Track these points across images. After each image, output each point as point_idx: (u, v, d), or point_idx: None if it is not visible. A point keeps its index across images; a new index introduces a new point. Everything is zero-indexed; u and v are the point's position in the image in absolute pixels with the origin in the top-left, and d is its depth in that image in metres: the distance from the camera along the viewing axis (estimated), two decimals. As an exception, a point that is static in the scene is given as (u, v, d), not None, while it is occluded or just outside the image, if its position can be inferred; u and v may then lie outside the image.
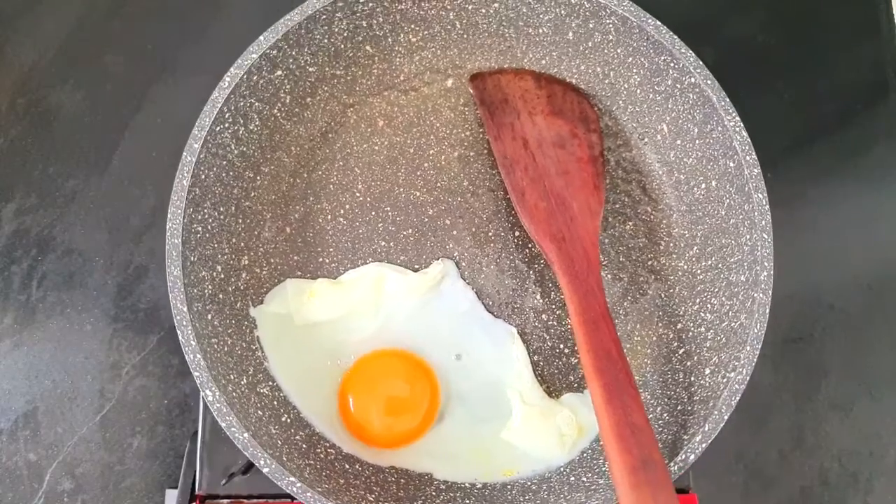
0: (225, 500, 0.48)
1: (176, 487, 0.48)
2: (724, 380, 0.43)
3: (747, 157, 0.45)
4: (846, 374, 0.55)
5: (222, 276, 0.47)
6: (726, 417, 0.42)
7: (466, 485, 0.47)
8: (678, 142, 0.51)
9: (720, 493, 0.53)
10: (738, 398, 0.42)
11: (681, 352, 0.49)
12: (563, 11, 0.50)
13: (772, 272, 0.44)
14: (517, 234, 0.52)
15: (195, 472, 0.48)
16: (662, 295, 0.51)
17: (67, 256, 0.56)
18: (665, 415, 0.46)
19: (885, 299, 0.56)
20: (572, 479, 0.46)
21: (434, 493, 0.46)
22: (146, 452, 0.53)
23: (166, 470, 0.52)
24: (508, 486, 0.47)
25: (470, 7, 0.51)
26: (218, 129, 0.46)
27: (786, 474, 0.52)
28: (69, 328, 0.55)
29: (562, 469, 0.47)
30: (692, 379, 0.46)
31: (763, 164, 0.56)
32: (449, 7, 0.51)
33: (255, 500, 0.48)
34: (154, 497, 0.52)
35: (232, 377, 0.44)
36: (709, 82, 0.47)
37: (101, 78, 0.59)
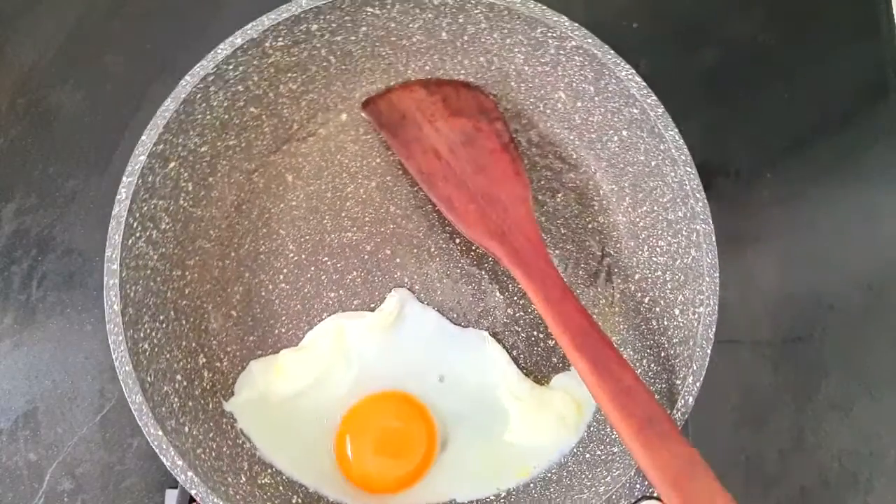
0: None
1: (176, 487, 0.48)
2: (696, 316, 0.44)
3: (648, 101, 0.46)
4: (846, 374, 0.54)
5: (184, 383, 0.46)
6: (709, 352, 0.43)
7: (491, 497, 0.47)
8: (578, 104, 0.51)
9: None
10: (713, 330, 0.43)
11: (646, 301, 0.49)
12: (430, 15, 0.50)
13: (706, 202, 0.44)
14: (458, 241, 0.52)
15: None
16: (612, 252, 0.52)
17: (67, 256, 0.55)
18: (652, 365, 0.47)
19: (885, 299, 0.56)
20: (587, 456, 0.47)
21: (464, 518, 0.46)
22: (146, 452, 0.52)
23: (166, 470, 0.50)
24: (531, 485, 0.47)
25: (339, 38, 0.51)
26: (130, 241, 0.44)
27: (786, 474, 0.52)
28: (69, 328, 0.54)
29: (574, 451, 0.48)
30: (665, 323, 0.47)
31: (763, 164, 0.55)
32: (318, 45, 0.50)
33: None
34: (154, 497, 0.51)
35: (230, 480, 0.43)
36: (589, 41, 0.47)
37: (101, 78, 0.59)
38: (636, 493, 0.40)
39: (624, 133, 0.50)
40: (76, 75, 0.59)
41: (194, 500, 0.46)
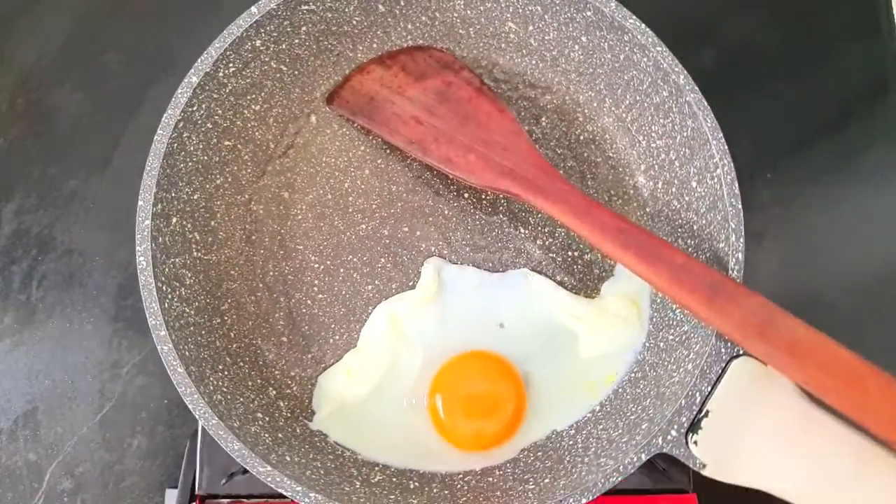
0: (225, 500, 0.48)
1: (176, 487, 0.49)
2: (715, 179, 0.45)
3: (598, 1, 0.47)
4: (847, 373, 0.54)
5: (266, 419, 0.46)
6: (740, 206, 0.44)
7: (588, 415, 0.48)
8: (530, 28, 0.52)
9: (719, 493, 0.50)
10: (737, 186, 0.44)
11: (661, 185, 0.51)
12: (362, -7, 0.50)
13: (688, 75, 0.46)
14: (466, 195, 0.52)
15: (195, 471, 0.48)
16: (611, 154, 0.53)
17: (67, 256, 0.56)
18: (689, 241, 0.48)
19: (886, 299, 0.56)
20: (661, 344, 0.48)
21: (570, 442, 0.47)
22: (146, 452, 0.53)
23: (166, 469, 0.53)
24: (620, 390, 0.48)
25: (284, 46, 0.51)
26: (166, 304, 0.44)
27: None
28: (69, 328, 0.55)
29: (647, 344, 0.49)
30: (687, 199, 0.48)
31: (763, 164, 0.55)
32: (267, 59, 0.50)
33: (254, 500, 0.48)
34: (154, 497, 0.53)
35: (347, 489, 0.44)
36: (524, -37, 0.48)
37: (101, 78, 0.59)
38: (724, 357, 0.42)
39: (584, 39, 0.51)
40: (76, 75, 0.59)
41: (194, 501, 0.48)
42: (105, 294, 0.55)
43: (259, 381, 0.48)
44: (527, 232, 0.52)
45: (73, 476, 0.52)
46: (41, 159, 0.57)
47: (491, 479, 0.46)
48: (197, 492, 0.48)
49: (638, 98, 0.50)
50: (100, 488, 0.52)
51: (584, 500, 0.40)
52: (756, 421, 0.42)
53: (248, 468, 0.41)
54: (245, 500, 0.48)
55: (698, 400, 0.41)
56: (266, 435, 0.45)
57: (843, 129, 0.59)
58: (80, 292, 0.55)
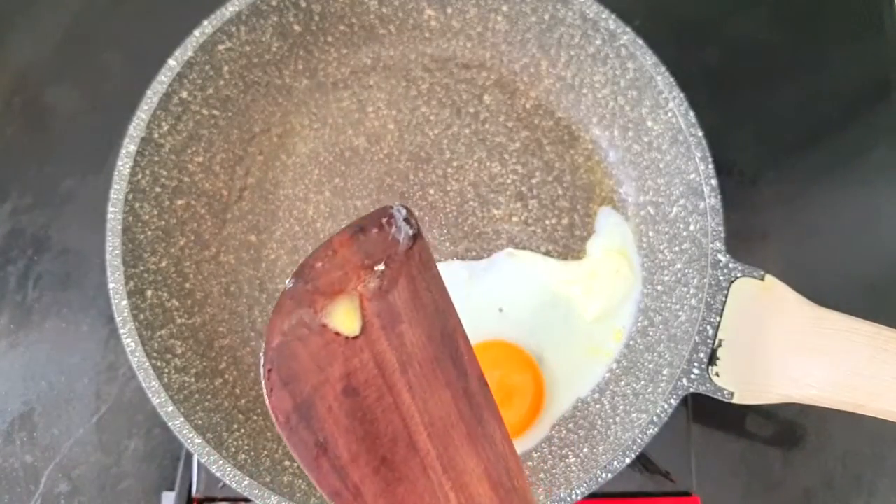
0: (222, 503, 0.48)
1: (173, 490, 0.49)
2: (668, 114, 0.45)
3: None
4: (849, 372, 0.53)
5: (295, 465, 0.45)
6: (700, 134, 0.44)
7: (607, 375, 0.48)
8: (449, 10, 0.52)
9: (723, 496, 0.53)
10: (693, 116, 0.44)
11: (616, 133, 0.51)
12: (275, 18, 0.49)
13: (617, 18, 0.45)
14: (431, 191, 0.52)
15: (192, 474, 0.48)
16: (561, 115, 0.53)
17: (64, 256, 0.56)
18: (659, 179, 0.48)
19: (886, 299, 0.55)
20: (660, 288, 0.48)
21: (598, 406, 0.47)
22: (143, 454, 0.53)
23: (163, 472, 0.52)
24: (631, 343, 0.49)
25: (210, 91, 0.49)
26: (165, 380, 0.43)
27: (788, 476, 0.52)
28: (65, 329, 0.54)
29: (645, 291, 0.49)
30: (647, 139, 0.48)
31: (764, 164, 0.55)
32: (197, 108, 0.49)
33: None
34: (151, 499, 0.52)
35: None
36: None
37: (98, 76, 0.59)
38: (724, 284, 0.42)
39: (505, 8, 0.50)
40: (73, 74, 0.59)
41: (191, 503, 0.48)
42: (101, 295, 0.54)
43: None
44: (500, 212, 0.51)
45: (70, 478, 0.52)
46: (37, 159, 0.57)
47: (531, 462, 0.46)
48: (194, 495, 0.48)
49: (573, 53, 0.50)
50: (96, 491, 0.52)
51: (627, 460, 0.40)
52: (769, 336, 0.42)
53: (293, 518, 0.41)
54: (242, 502, 0.48)
55: (710, 332, 0.42)
56: (300, 481, 0.44)
57: (845, 128, 0.59)
58: (76, 293, 0.54)
